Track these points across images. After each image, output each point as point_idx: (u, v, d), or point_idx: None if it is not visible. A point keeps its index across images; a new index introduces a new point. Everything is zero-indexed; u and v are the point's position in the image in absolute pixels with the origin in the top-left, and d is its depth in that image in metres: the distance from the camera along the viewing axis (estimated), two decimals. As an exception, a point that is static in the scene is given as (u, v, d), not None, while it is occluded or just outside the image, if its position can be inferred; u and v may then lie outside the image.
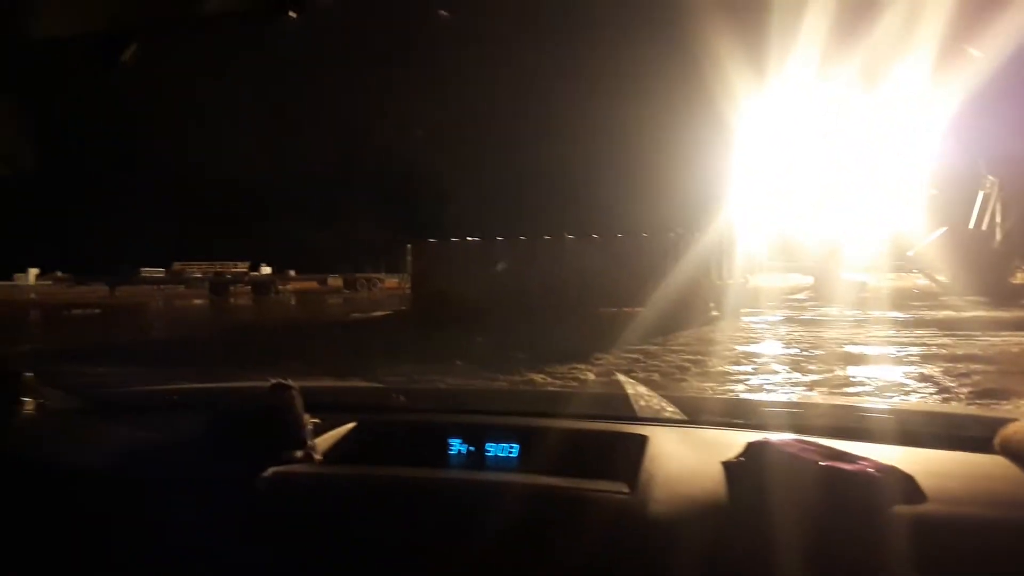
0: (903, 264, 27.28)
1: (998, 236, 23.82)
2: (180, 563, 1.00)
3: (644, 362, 9.22)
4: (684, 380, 8.03)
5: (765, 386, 7.69)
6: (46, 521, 1.04)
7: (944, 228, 24.26)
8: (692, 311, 15.01)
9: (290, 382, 1.14)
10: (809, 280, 25.27)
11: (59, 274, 46.15)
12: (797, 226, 26.01)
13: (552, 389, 4.94)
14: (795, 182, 24.73)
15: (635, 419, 1.36)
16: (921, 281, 25.43)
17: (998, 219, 24.02)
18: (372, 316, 21.47)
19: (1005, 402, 6.47)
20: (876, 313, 15.64)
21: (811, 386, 7.61)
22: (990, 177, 24.49)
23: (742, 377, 8.23)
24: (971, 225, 24.87)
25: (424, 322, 16.69)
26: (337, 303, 30.64)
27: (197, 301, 33.35)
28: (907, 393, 7.13)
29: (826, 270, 23.72)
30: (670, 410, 1.44)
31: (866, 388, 7.41)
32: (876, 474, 1.00)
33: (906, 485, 1.00)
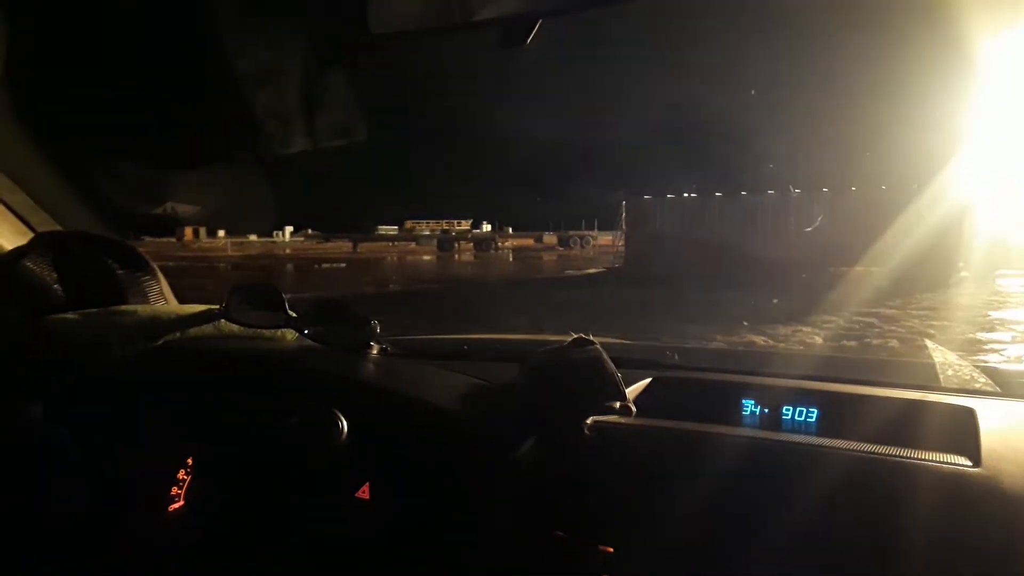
0: None
1: None
2: (524, 499, 1.07)
3: (879, 327, 8.62)
4: (925, 349, 7.45)
5: (1025, 357, 6.97)
6: (414, 452, 1.14)
7: None
8: (936, 271, 13.66)
9: (590, 336, 1.16)
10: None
11: (309, 231, 51.90)
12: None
13: (849, 356, 4.60)
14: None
15: (945, 389, 1.27)
16: None
17: None
18: (586, 273, 21.85)
19: None
20: None
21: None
22: None
23: (996, 347, 7.51)
24: None
25: (638, 279, 16.68)
26: (552, 259, 31.54)
27: (426, 257, 35.90)
28: None
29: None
30: (983, 380, 1.34)
31: None
32: None
33: None
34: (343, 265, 27.93)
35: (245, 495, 1.20)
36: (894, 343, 7.65)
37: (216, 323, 1.47)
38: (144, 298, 1.59)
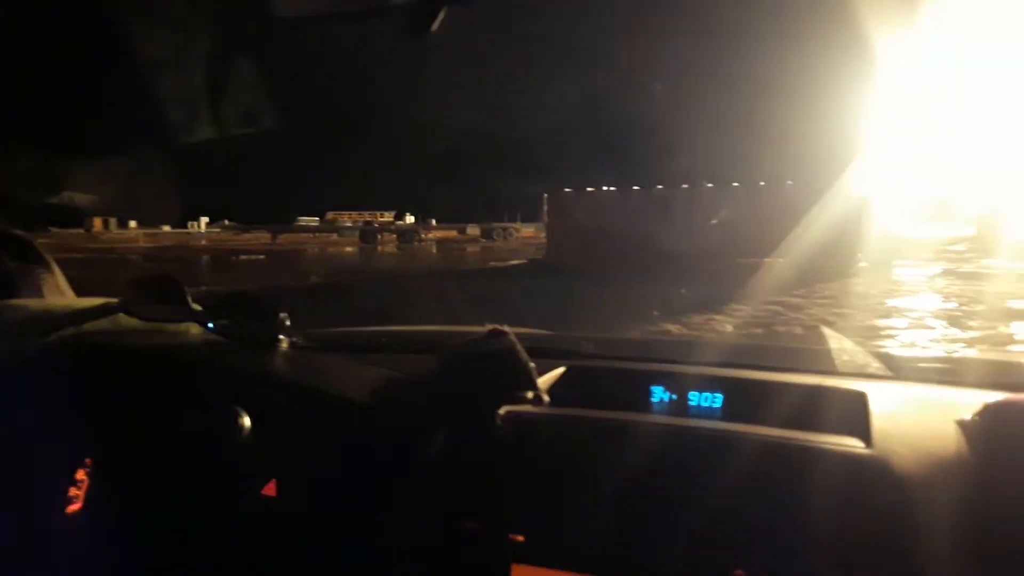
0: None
1: None
2: (434, 490, 1.08)
3: (785, 315, 9.02)
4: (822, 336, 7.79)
5: (919, 343, 7.41)
6: (323, 447, 1.13)
7: None
8: (838, 262, 14.37)
9: (505, 327, 1.16)
10: (970, 230, 23.32)
11: (226, 222, 50.24)
12: (957, 171, 23.94)
13: (754, 343, 4.74)
14: (957, 123, 22.66)
15: (840, 374, 1.32)
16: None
17: None
18: (509, 264, 21.98)
19: None
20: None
21: (971, 343, 7.27)
22: None
23: (893, 332, 7.94)
24: None
25: (558, 270, 16.89)
26: (475, 251, 31.55)
27: (348, 248, 35.30)
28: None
29: (990, 219, 21.79)
30: (876, 366, 1.39)
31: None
32: None
33: None
34: (262, 257, 27.17)
35: (146, 496, 1.17)
36: (798, 330, 8.00)
37: (114, 317, 1.40)
38: (37, 292, 1.51)
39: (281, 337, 1.38)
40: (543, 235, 24.46)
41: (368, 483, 1.10)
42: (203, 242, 41.45)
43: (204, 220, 52.13)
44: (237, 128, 1.71)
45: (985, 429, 1.01)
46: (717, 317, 8.62)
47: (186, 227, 51.64)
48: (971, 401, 1.07)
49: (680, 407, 1.26)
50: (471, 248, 34.55)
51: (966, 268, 15.23)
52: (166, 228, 51.04)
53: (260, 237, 41.91)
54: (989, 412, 1.02)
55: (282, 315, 1.36)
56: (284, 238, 41.43)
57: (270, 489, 1.12)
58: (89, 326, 1.39)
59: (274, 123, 1.80)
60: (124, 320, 1.40)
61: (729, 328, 8.10)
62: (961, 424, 1.05)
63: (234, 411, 1.12)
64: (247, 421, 1.12)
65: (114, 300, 1.41)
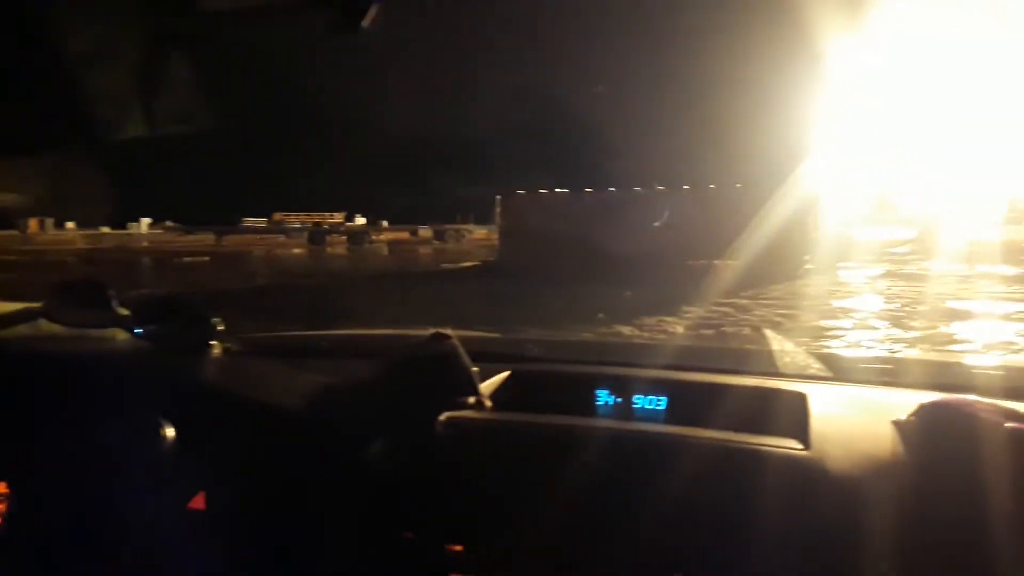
0: (1015, 217, 25.62)
1: None
2: (371, 500, 1.05)
3: (734, 316, 9.16)
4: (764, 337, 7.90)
5: (864, 342, 7.58)
6: (254, 457, 1.10)
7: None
8: (785, 264, 14.68)
9: (448, 331, 1.16)
10: (912, 233, 24.12)
11: (169, 223, 49.03)
12: (901, 177, 24.77)
13: (696, 344, 4.78)
14: (900, 131, 23.43)
15: (782, 375, 1.34)
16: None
17: None
18: (461, 266, 21.90)
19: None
20: (984, 268, 14.89)
21: (913, 343, 7.46)
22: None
23: (838, 333, 8.10)
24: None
25: (511, 272, 16.90)
26: (427, 253, 31.39)
27: (296, 250, 34.77)
28: (1016, 351, 6.92)
29: (930, 223, 22.59)
30: (816, 367, 1.40)
31: (971, 346, 7.21)
32: None
33: None
34: (206, 259, 26.53)
35: (64, 511, 1.11)
36: (747, 331, 8.13)
37: (35, 323, 1.33)
38: (-50, 296, 1.42)
39: (213, 343, 1.33)
40: (496, 237, 24.44)
41: (302, 494, 1.07)
42: (144, 244, 40.37)
43: (145, 221, 50.80)
44: (171, 126, 1.62)
45: (919, 429, 1.02)
46: (668, 318, 8.69)
47: (126, 228, 50.24)
48: (908, 401, 1.08)
49: (625, 410, 1.27)
50: (423, 250, 34.37)
51: (908, 270, 15.71)
52: (105, 230, 49.57)
53: (204, 239, 41.03)
54: (923, 412, 1.03)
55: (215, 320, 1.31)
56: (229, 240, 40.66)
57: (198, 502, 1.08)
58: (7, 332, 1.32)
59: (211, 122, 1.72)
60: (46, 326, 1.33)
61: (680, 329, 8.18)
62: (897, 424, 1.06)
63: (156, 421, 1.07)
64: (170, 432, 1.07)
65: (35, 305, 1.33)
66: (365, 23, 0.86)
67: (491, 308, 9.57)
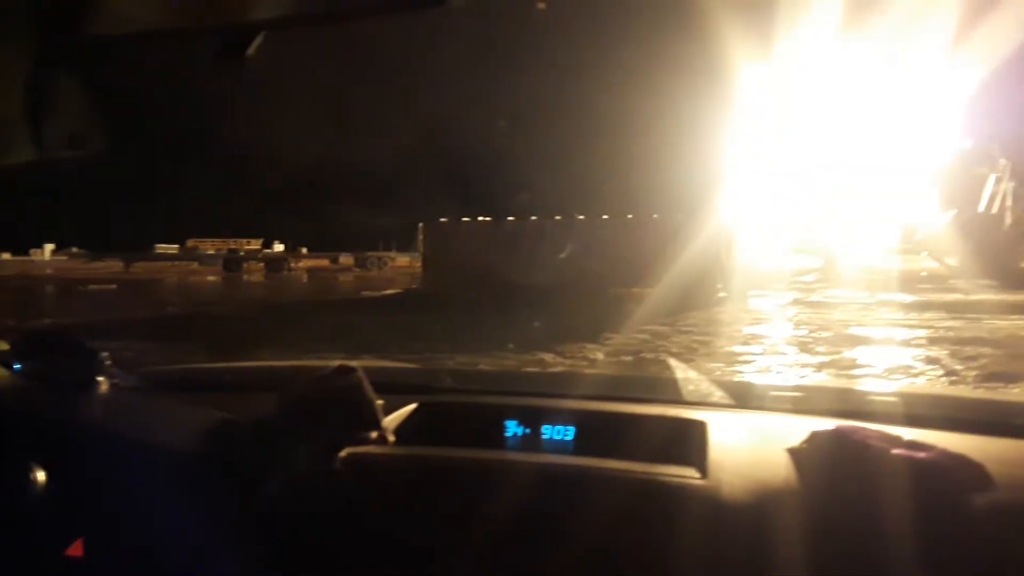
0: (912, 246, 27.25)
1: (1008, 220, 23.71)
2: (266, 542, 1.02)
3: (653, 342, 9.29)
4: (693, 361, 8.13)
5: (774, 368, 7.81)
6: (140, 500, 1.03)
7: (954, 211, 24.22)
8: (701, 292, 15.11)
9: (353, 364, 1.14)
10: (818, 262, 25.28)
11: (75, 250, 46.63)
12: (806, 208, 26.01)
13: (605, 372, 4.84)
14: (805, 164, 24.66)
15: (686, 403, 1.37)
16: (930, 264, 25.38)
17: (1008, 203, 23.89)
18: (383, 294, 21.65)
19: (1013, 385, 6.53)
20: (884, 295, 15.69)
21: (819, 367, 7.70)
22: (1002, 160, 24.34)
23: (750, 358, 8.33)
24: (981, 208, 24.76)
25: (434, 301, 16.79)
26: (348, 280, 30.89)
27: (211, 278, 33.62)
28: (915, 375, 7.18)
29: (834, 252, 23.75)
30: (719, 394, 1.43)
31: (873, 370, 7.49)
32: (948, 462, 1.00)
33: (976, 472, 0.99)
34: (112, 286, 25.30)
35: None
36: (664, 356, 8.25)
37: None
38: None
39: (100, 378, 1.24)
40: (419, 264, 24.31)
41: (190, 538, 1.01)
42: (48, 271, 38.25)
43: (49, 247, 48.19)
44: (57, 150, 1.54)
45: (810, 456, 1.05)
46: (589, 345, 8.75)
47: (28, 254, 47.53)
48: (804, 429, 1.10)
49: (534, 441, 1.26)
50: (344, 277, 33.79)
51: (814, 298, 16.38)
52: (6, 256, 46.78)
53: (111, 265, 39.20)
54: (815, 440, 1.06)
55: (103, 354, 1.24)
56: (139, 267, 38.96)
57: (76, 549, 1.00)
58: None
59: (100, 146, 1.64)
60: None
61: (600, 356, 8.25)
62: (791, 452, 1.08)
63: (25, 464, 0.98)
64: (41, 475, 0.99)
65: None
66: (250, 51, 0.83)
67: (411, 337, 9.45)
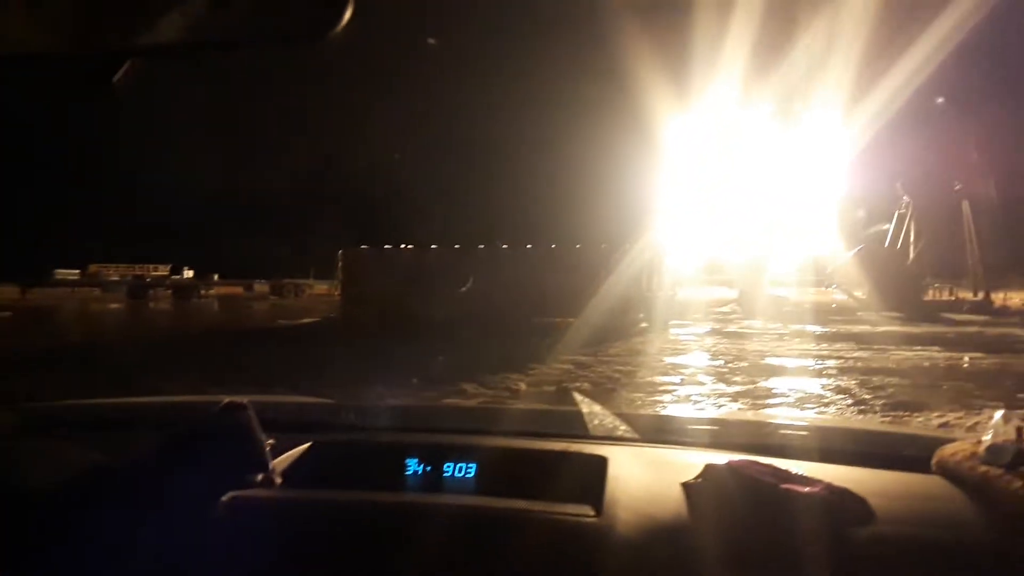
0: (823, 280, 28.45)
1: (911, 255, 25.05)
2: None
3: (576, 372, 9.28)
4: (615, 391, 8.08)
5: (692, 397, 7.83)
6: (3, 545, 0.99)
7: (861, 246, 25.43)
8: (623, 322, 15.23)
9: (244, 400, 1.09)
10: (734, 294, 26.01)
11: (-37, 274, 43.70)
12: (723, 241, 26.84)
13: (509, 407, 4.82)
14: (721, 200, 25.50)
15: (591, 438, 1.37)
16: (839, 296, 26.50)
17: (911, 238, 25.27)
18: (299, 323, 21.02)
19: (918, 414, 6.74)
20: (797, 327, 16.20)
21: (735, 397, 7.79)
22: (905, 198, 25.78)
23: (670, 388, 8.37)
24: (886, 244, 26.09)
25: (353, 330, 16.42)
26: (263, 309, 29.90)
27: (113, 305, 32.00)
28: (826, 405, 7.36)
29: (750, 284, 24.48)
30: (623, 428, 1.44)
31: (787, 400, 7.64)
32: (832, 496, 1.03)
33: (859, 507, 1.03)
34: (7, 314, 23.63)
35: None
36: (587, 385, 8.24)
37: None
38: None
39: None
40: (338, 292, 23.71)
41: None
42: (-68, 296, 35.62)
43: (-65, 271, 45.02)
44: None
45: (703, 491, 1.06)
46: (513, 375, 8.63)
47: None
48: (701, 463, 1.12)
49: (435, 479, 1.24)
50: (259, 306, 32.70)
51: (731, 328, 16.78)
52: None
53: (6, 292, 36.84)
54: (708, 474, 1.08)
55: None
56: (36, 293, 36.75)
57: None
58: None
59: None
60: None
61: (523, 386, 8.15)
62: (685, 486, 1.09)
63: None
64: None
65: None
66: (118, 78, 0.79)
67: (323, 368, 9.08)
